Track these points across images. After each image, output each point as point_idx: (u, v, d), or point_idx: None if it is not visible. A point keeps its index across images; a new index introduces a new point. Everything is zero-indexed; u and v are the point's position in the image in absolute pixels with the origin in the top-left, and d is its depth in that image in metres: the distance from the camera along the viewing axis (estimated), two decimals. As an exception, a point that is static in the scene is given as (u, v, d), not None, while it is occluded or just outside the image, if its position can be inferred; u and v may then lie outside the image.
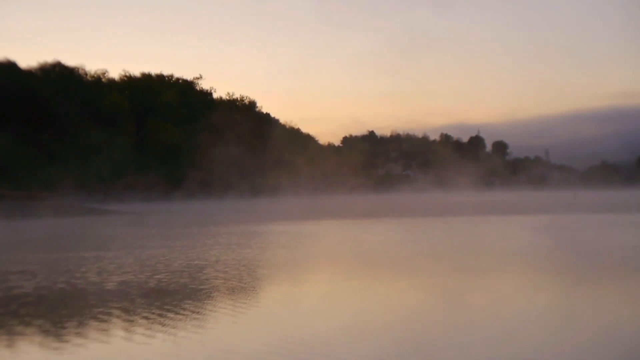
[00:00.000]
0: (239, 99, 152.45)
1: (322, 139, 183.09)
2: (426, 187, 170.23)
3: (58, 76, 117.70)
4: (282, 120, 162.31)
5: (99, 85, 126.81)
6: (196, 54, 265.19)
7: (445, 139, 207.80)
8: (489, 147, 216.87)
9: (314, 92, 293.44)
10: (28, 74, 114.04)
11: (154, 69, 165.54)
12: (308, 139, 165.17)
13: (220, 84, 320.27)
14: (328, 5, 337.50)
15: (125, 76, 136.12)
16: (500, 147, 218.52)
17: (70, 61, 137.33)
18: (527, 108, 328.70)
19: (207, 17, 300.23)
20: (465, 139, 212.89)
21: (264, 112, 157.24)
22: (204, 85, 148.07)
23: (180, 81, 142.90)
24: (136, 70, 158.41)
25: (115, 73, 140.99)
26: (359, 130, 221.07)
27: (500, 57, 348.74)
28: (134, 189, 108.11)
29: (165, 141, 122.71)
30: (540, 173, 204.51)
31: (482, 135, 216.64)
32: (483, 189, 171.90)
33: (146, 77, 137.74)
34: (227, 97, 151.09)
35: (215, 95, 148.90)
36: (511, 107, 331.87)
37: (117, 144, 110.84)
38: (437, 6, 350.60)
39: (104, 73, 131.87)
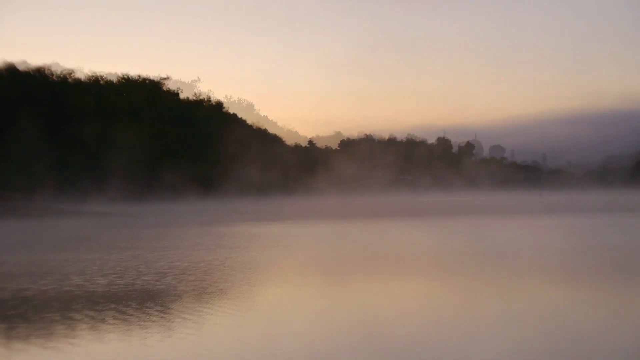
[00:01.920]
0: (205, 99, 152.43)
1: (290, 140, 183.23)
2: (397, 188, 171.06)
3: (23, 76, 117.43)
4: (249, 121, 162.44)
5: (66, 86, 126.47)
6: (164, 54, 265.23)
7: (413, 139, 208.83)
8: (455, 148, 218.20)
9: (285, 93, 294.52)
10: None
11: (121, 69, 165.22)
12: (274, 140, 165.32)
13: (189, 86, 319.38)
14: (299, 5, 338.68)
15: (92, 77, 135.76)
16: (467, 148, 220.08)
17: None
18: (493, 109, 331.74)
19: (178, 18, 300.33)
20: (432, 140, 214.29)
21: (231, 113, 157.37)
22: (171, 85, 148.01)
23: (147, 82, 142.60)
24: (105, 71, 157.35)
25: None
26: (327, 131, 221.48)
27: (467, 59, 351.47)
28: (101, 190, 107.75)
29: (130, 142, 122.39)
30: (504, 174, 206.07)
31: (448, 136, 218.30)
32: (450, 190, 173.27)
33: (112, 77, 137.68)
34: (194, 98, 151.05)
35: (182, 96, 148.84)
36: (476, 108, 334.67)
37: (83, 144, 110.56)
38: (410, 7, 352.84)
39: (71, 73, 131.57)
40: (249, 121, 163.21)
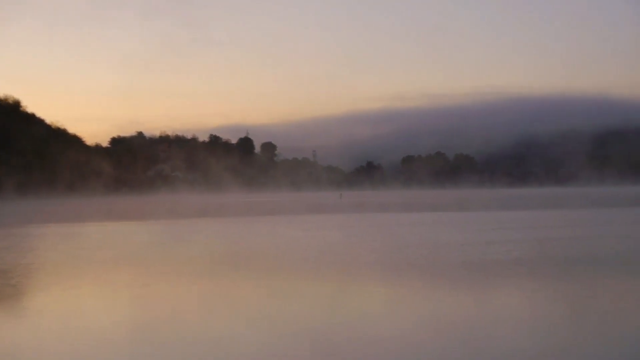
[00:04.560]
0: (2, 98, 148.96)
1: (91, 140, 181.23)
2: (194, 188, 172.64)
3: None
4: (48, 121, 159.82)
5: None
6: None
7: (215, 140, 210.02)
8: (258, 149, 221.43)
9: (86, 91, 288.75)
10: None
11: None
12: (73, 140, 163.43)
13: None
14: (99, 4, 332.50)
15: None
16: (269, 148, 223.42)
17: None
18: (298, 110, 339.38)
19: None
20: (235, 140, 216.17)
21: (29, 112, 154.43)
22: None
23: None
24: None
25: None
26: (130, 130, 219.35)
27: (274, 60, 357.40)
28: None
29: None
30: (307, 174, 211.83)
31: (251, 136, 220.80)
32: (251, 190, 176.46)
33: None
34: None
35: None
36: (282, 109, 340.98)
37: None
38: (212, 7, 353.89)
39: None
40: (48, 121, 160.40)
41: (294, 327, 12.30)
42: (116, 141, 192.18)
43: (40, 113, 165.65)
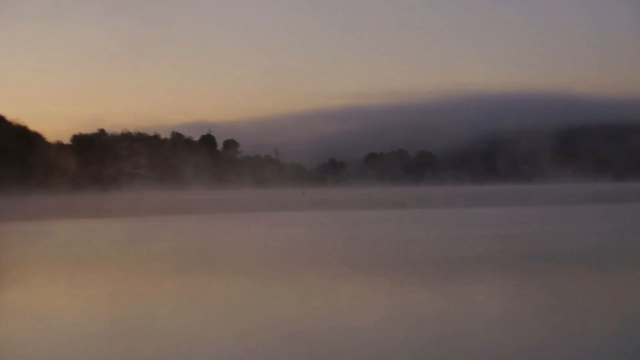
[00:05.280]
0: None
1: (52, 137, 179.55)
2: (157, 185, 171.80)
3: None
4: (9, 118, 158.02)
5: None
6: None
7: (177, 137, 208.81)
8: (220, 146, 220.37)
9: (47, 88, 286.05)
10: None
11: None
12: (35, 137, 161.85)
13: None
14: (61, 0, 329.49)
15: None
16: (232, 145, 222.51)
17: None
18: (261, 107, 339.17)
19: None
20: (197, 138, 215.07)
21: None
22: None
23: None
24: None
25: None
26: (92, 128, 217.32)
27: (237, 58, 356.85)
28: None
29: None
30: (270, 171, 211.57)
31: (214, 134, 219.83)
32: (213, 188, 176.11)
33: None
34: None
35: None
36: (245, 106, 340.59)
37: None
38: (175, 5, 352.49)
39: None
40: (9, 118, 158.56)
41: (258, 323, 12.28)
42: (78, 139, 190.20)
43: (0, 110, 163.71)
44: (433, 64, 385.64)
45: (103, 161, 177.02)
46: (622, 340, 10.79)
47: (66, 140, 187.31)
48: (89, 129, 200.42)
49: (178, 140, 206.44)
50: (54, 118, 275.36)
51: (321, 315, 13.12)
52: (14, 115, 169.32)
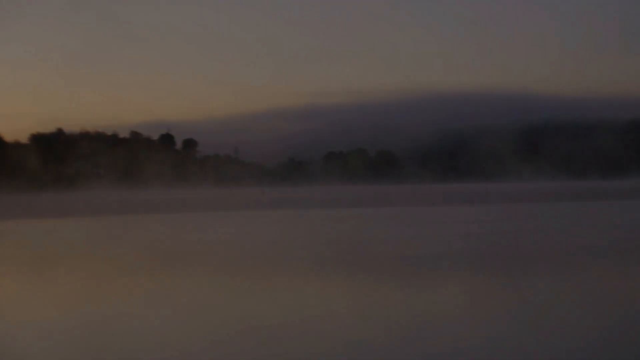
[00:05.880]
0: None
1: (10, 137, 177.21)
2: (115, 185, 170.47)
3: None
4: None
5: None
6: None
7: (135, 136, 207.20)
8: (179, 145, 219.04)
9: (5, 87, 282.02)
10: None
11: None
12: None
13: None
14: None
15: None
16: (191, 144, 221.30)
17: None
18: (221, 106, 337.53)
19: None
20: (156, 137, 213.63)
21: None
22: None
23: None
24: None
25: None
26: (50, 127, 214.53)
27: (196, 56, 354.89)
28: None
29: None
30: (230, 170, 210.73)
31: (173, 133, 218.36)
32: (172, 187, 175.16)
33: None
34: None
35: None
36: (204, 105, 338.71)
37: None
38: (135, 3, 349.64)
39: None
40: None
41: (221, 322, 12.24)
42: (36, 138, 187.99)
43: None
44: (393, 63, 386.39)
45: (62, 161, 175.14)
46: (582, 336, 10.84)
47: (24, 139, 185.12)
48: (47, 128, 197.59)
49: (137, 139, 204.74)
50: (12, 117, 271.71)
51: (276, 313, 13.02)
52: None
